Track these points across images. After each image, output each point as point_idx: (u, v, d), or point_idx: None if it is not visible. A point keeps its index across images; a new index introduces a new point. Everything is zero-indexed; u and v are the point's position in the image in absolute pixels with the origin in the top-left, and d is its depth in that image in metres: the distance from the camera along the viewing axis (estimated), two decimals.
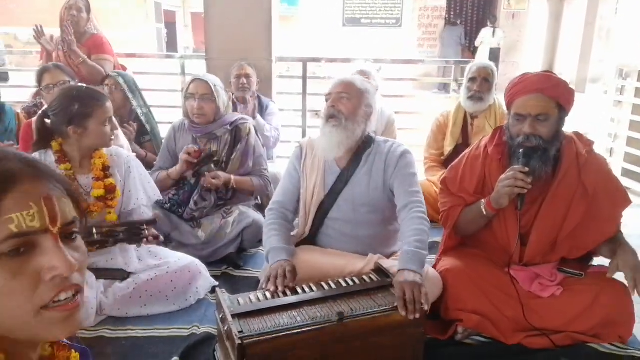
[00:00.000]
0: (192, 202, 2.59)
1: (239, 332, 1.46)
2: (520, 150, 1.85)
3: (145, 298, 2.09)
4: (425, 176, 3.34)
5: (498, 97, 3.08)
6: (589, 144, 1.96)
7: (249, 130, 2.73)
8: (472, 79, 3.17)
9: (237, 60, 3.64)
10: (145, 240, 2.10)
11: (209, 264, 2.45)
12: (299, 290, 1.70)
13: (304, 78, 4.53)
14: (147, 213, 2.27)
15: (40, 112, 2.32)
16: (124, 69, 3.62)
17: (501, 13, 11.92)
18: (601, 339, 1.89)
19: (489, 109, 3.22)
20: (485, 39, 11.03)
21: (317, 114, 2.29)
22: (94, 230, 2.07)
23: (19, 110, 3.11)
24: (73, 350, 0.79)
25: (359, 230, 2.06)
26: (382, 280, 1.76)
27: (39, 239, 0.63)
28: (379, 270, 1.84)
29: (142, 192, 2.27)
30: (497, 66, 3.36)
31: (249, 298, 1.67)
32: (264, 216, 2.20)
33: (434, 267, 2.06)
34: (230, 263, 2.58)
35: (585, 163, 1.90)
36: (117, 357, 1.84)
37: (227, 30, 3.92)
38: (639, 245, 1.93)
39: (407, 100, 5.61)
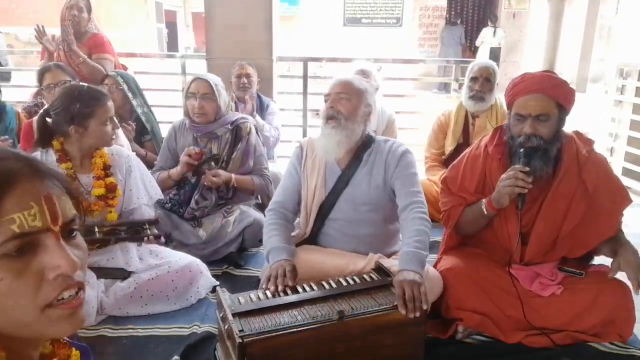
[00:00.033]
0: (193, 202, 2.59)
1: (240, 330, 1.46)
2: (521, 150, 1.85)
3: (146, 297, 2.10)
4: (425, 175, 3.34)
5: (499, 96, 3.08)
6: (589, 143, 1.96)
7: (250, 129, 2.73)
8: (473, 79, 3.16)
9: (238, 59, 3.64)
10: (146, 239, 2.10)
11: (210, 263, 2.45)
12: (300, 289, 1.71)
13: (305, 77, 4.53)
14: (148, 212, 2.27)
15: (41, 111, 2.32)
16: (125, 68, 3.62)
17: (502, 13, 11.90)
18: (601, 338, 1.89)
19: (490, 108, 3.21)
20: (486, 38, 11.03)
21: (317, 114, 2.29)
22: (96, 229, 2.07)
23: (19, 110, 3.11)
24: (73, 348, 0.79)
25: (359, 229, 2.06)
26: (383, 279, 1.77)
27: (41, 238, 0.63)
28: (380, 269, 1.84)
29: (143, 191, 2.27)
30: (497, 66, 3.35)
31: (250, 297, 1.67)
32: (265, 215, 2.20)
33: (435, 266, 2.06)
34: (231, 262, 2.58)
35: (586, 162, 1.90)
36: (118, 356, 1.84)
37: (228, 30, 3.92)
38: (639, 245, 1.93)
39: (407, 100, 5.61)
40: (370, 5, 12.67)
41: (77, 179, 2.13)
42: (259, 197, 2.97)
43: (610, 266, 1.88)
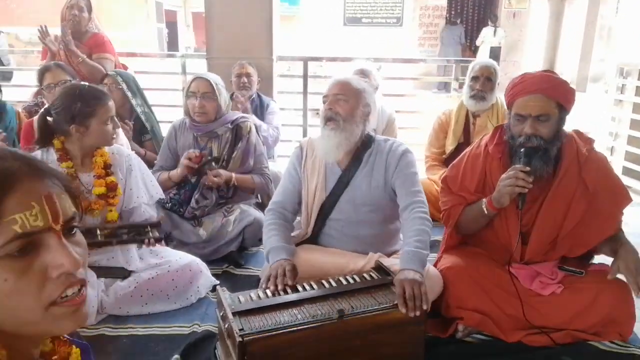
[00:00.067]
0: (193, 201, 2.59)
1: (240, 329, 1.46)
2: (522, 150, 1.85)
3: (146, 297, 2.10)
4: (426, 175, 3.34)
5: (500, 96, 3.08)
6: (589, 142, 1.96)
7: (250, 128, 2.74)
8: (474, 78, 3.16)
9: (238, 59, 3.64)
10: (147, 242, 2.10)
11: (210, 262, 2.45)
12: (300, 288, 1.71)
13: (305, 77, 4.54)
14: (149, 211, 2.27)
15: (42, 110, 2.32)
16: (125, 68, 3.62)
17: (502, 12, 11.90)
18: (602, 337, 1.89)
19: (491, 107, 3.21)
20: (486, 38, 11.03)
21: (317, 113, 2.29)
22: (98, 232, 2.06)
23: (19, 109, 3.11)
24: (74, 346, 0.79)
25: (360, 229, 2.06)
26: (383, 278, 1.77)
27: (43, 237, 0.63)
28: (380, 268, 1.84)
29: (143, 190, 2.27)
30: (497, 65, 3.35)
31: (250, 296, 1.67)
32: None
33: (435, 265, 2.06)
34: (231, 261, 2.58)
35: (586, 161, 1.90)
36: (118, 355, 1.84)
37: (228, 30, 3.93)
38: (639, 244, 1.93)
39: (407, 99, 5.61)
40: (371, 5, 12.68)
41: (78, 178, 2.13)
42: (258, 196, 2.98)
43: (610, 266, 1.88)
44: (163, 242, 2.20)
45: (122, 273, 2.13)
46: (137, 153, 2.71)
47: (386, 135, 2.58)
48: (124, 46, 5.50)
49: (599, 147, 2.42)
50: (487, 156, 2.02)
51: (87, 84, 2.27)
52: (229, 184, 2.64)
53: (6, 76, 9.06)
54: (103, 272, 2.10)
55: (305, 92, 4.52)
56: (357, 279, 1.76)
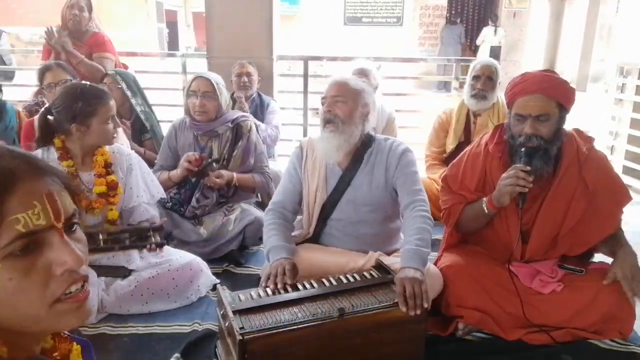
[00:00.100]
0: (193, 200, 2.60)
1: (240, 328, 1.46)
2: (522, 150, 1.85)
3: (147, 296, 2.10)
4: (426, 174, 3.34)
5: (501, 95, 3.08)
6: (589, 140, 1.97)
7: (250, 127, 2.74)
8: (475, 77, 3.15)
9: (238, 58, 3.64)
10: (149, 247, 2.09)
11: (211, 261, 2.45)
12: (300, 287, 1.71)
13: (305, 76, 4.54)
14: (149, 210, 2.27)
15: (43, 109, 2.33)
16: (125, 67, 3.62)
17: (502, 12, 11.89)
18: (602, 335, 1.90)
19: (492, 107, 3.20)
20: (487, 37, 11.03)
21: (317, 112, 2.29)
22: (100, 237, 2.06)
23: (20, 109, 3.12)
24: (74, 343, 0.79)
25: (360, 229, 2.06)
26: (383, 276, 1.77)
27: (46, 235, 0.64)
28: (380, 266, 1.84)
29: (143, 189, 2.27)
30: None
31: (250, 294, 1.67)
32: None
33: (435, 263, 2.06)
34: (231, 260, 2.58)
35: (586, 160, 1.90)
36: (118, 354, 1.84)
37: (228, 29, 3.93)
38: (638, 243, 1.93)
39: (408, 99, 5.61)
40: (371, 5, 12.69)
41: (79, 176, 2.13)
42: (259, 195, 2.98)
43: (610, 265, 1.89)
44: (163, 248, 2.19)
45: (123, 272, 2.13)
46: (137, 152, 2.71)
47: (386, 135, 2.58)
48: (124, 46, 5.50)
49: (599, 146, 2.42)
50: (487, 155, 2.02)
51: (88, 83, 2.27)
52: (230, 184, 2.65)
53: (8, 75, 9.06)
54: (103, 271, 2.10)
55: (305, 91, 4.52)
56: (358, 277, 1.77)
